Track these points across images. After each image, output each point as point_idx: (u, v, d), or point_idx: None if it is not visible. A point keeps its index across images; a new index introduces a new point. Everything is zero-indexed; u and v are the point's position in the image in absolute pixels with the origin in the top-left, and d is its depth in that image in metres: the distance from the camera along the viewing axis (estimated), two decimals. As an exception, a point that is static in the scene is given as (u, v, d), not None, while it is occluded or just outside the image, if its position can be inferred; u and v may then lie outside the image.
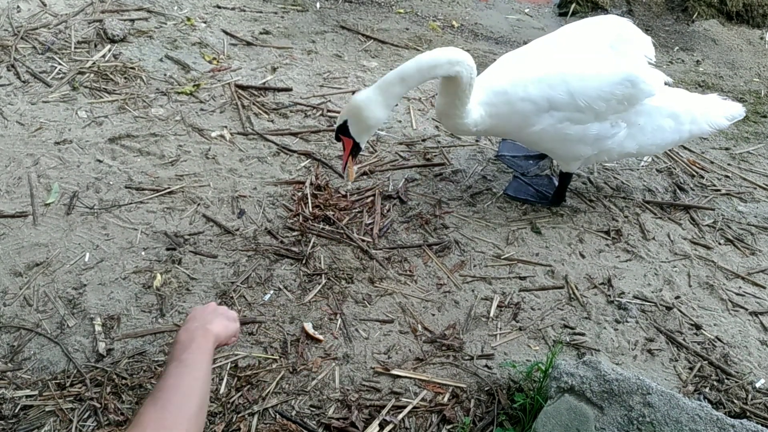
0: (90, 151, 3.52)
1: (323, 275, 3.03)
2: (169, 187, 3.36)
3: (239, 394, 2.58)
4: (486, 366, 2.76)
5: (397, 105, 2.98)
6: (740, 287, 3.21)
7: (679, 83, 4.64)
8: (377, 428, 2.51)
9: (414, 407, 2.58)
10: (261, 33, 4.57)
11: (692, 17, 5.34)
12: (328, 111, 3.94)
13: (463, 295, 3.03)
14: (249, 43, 4.44)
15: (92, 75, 4.00)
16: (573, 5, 5.43)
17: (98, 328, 2.75)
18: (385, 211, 3.37)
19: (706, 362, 2.86)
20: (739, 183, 3.81)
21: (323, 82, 4.19)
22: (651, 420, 2.32)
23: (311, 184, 3.45)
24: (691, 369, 2.84)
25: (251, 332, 2.79)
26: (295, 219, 3.28)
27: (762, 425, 2.41)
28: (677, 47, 5.11)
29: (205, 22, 4.59)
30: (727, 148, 4.08)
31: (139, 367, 2.64)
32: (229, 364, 2.67)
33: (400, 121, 3.95)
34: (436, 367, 2.74)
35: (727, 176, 3.85)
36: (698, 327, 3.00)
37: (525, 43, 4.95)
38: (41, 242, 3.06)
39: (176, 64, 4.17)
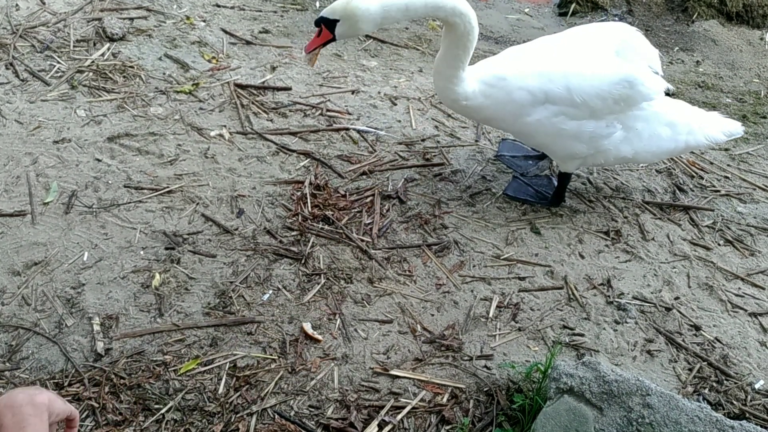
0: (89, 150, 3.52)
1: (322, 275, 3.02)
2: (167, 187, 3.35)
3: (238, 394, 2.57)
4: (485, 366, 2.75)
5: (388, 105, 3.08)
6: (740, 288, 3.20)
7: (679, 83, 4.63)
8: (376, 428, 2.50)
9: (413, 408, 2.58)
10: (260, 32, 4.56)
11: (692, 18, 5.34)
12: (328, 110, 3.94)
13: (462, 296, 3.02)
14: (248, 42, 4.43)
15: (91, 74, 3.99)
16: (573, 5, 5.43)
17: (96, 328, 2.74)
18: (385, 211, 3.37)
19: (705, 363, 2.86)
20: (738, 184, 3.81)
21: (323, 81, 4.19)
22: (650, 421, 2.32)
23: (310, 183, 3.44)
24: (690, 370, 2.83)
25: (250, 332, 2.79)
26: (294, 219, 3.27)
27: (761, 426, 2.41)
28: (677, 48, 5.11)
29: (204, 21, 4.58)
30: (726, 149, 4.07)
31: (137, 366, 2.63)
32: (228, 364, 2.67)
33: (399, 121, 3.94)
34: (435, 367, 2.74)
35: (726, 177, 3.85)
36: (697, 328, 3.00)
37: (525, 42, 4.95)
38: (40, 241, 3.05)
39: (175, 63, 4.16)
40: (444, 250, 3.21)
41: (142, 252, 3.05)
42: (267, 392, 2.59)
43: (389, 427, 2.51)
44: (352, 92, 4.12)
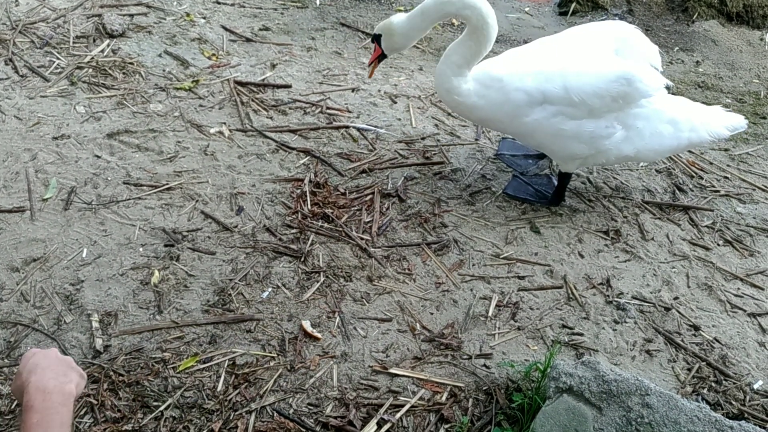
0: (88, 146, 3.51)
1: (322, 273, 3.02)
2: (167, 184, 3.35)
3: (237, 391, 2.57)
4: (484, 365, 2.75)
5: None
6: (739, 288, 3.21)
7: (679, 84, 4.64)
8: (375, 427, 2.50)
9: (412, 406, 2.58)
10: (260, 29, 4.56)
11: (692, 18, 5.34)
12: (328, 108, 3.93)
13: (461, 294, 3.02)
14: (248, 40, 4.42)
15: (91, 70, 3.98)
16: (573, 4, 5.42)
17: (95, 325, 2.73)
18: (384, 210, 3.36)
19: (704, 363, 2.86)
20: (738, 184, 3.81)
21: (323, 79, 4.18)
22: (649, 421, 2.32)
23: (310, 181, 3.44)
24: (689, 370, 2.84)
25: (249, 330, 2.78)
26: (293, 216, 3.27)
27: (760, 426, 2.42)
28: (677, 48, 5.11)
29: (204, 18, 4.58)
30: (726, 149, 4.08)
31: (136, 363, 2.63)
32: (227, 361, 2.66)
33: (399, 119, 3.94)
34: (434, 366, 2.74)
35: (726, 177, 3.85)
36: (697, 328, 3.00)
37: (525, 41, 4.96)
38: (38, 237, 3.04)
39: (175, 59, 4.15)
40: (443, 248, 3.21)
41: (141, 249, 3.05)
42: (266, 390, 2.59)
43: (388, 425, 2.51)
44: (352, 90, 4.12)
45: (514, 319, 2.95)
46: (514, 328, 2.92)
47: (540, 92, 3.08)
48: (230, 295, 2.90)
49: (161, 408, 2.50)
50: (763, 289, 3.21)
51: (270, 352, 2.72)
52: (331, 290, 2.97)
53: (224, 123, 3.75)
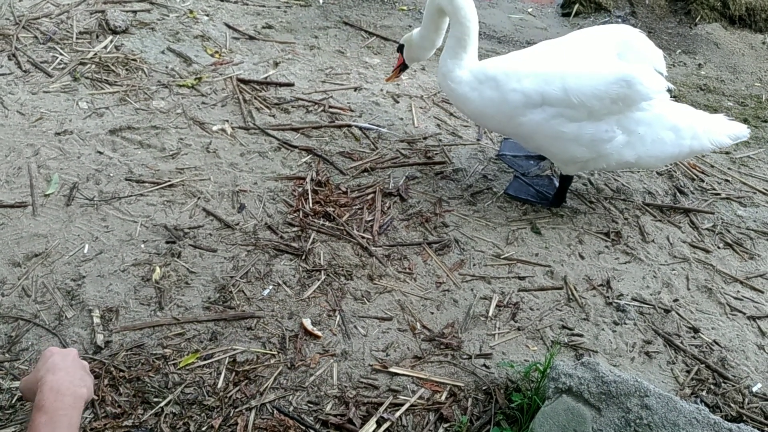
0: (90, 142, 3.51)
1: (322, 271, 3.03)
2: (169, 180, 3.35)
3: (237, 388, 2.58)
4: (484, 365, 2.76)
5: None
6: (738, 291, 3.21)
7: (681, 86, 4.64)
8: (374, 425, 2.51)
9: (411, 405, 2.58)
10: (264, 27, 4.56)
11: (695, 20, 5.35)
12: (330, 107, 3.94)
13: (462, 294, 3.03)
14: (251, 37, 4.43)
15: (93, 66, 3.98)
16: (576, 6, 5.43)
17: (96, 320, 2.74)
18: (386, 209, 3.37)
19: (703, 365, 2.87)
20: (739, 187, 3.82)
21: (325, 78, 4.19)
22: (648, 422, 2.33)
23: (312, 180, 3.45)
24: (688, 372, 2.84)
25: (250, 327, 2.79)
26: (295, 215, 3.27)
27: (759, 429, 2.42)
28: (679, 50, 5.11)
29: (207, 15, 4.58)
30: (727, 152, 4.08)
31: (137, 359, 2.63)
32: (227, 358, 2.67)
33: (401, 119, 3.94)
34: (434, 365, 2.74)
35: (727, 180, 3.86)
36: (696, 330, 3.00)
37: (528, 42, 4.97)
38: (40, 233, 3.05)
39: (178, 56, 4.16)
40: (444, 248, 3.22)
41: (142, 245, 3.05)
42: (266, 387, 2.59)
43: (387, 424, 2.52)
44: (355, 89, 4.12)
45: (514, 319, 2.96)
46: (514, 328, 2.92)
47: (539, 94, 3.08)
48: (231, 292, 2.90)
49: (161, 404, 2.50)
50: (762, 292, 3.22)
51: (270, 350, 2.72)
52: (331, 288, 2.97)
53: (227, 120, 3.75)
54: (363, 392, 2.62)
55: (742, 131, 3.32)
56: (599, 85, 3.01)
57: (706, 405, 2.70)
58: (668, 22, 5.45)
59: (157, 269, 2.95)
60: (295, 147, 3.64)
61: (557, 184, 3.53)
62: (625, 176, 3.76)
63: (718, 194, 3.74)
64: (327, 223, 3.24)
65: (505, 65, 3.22)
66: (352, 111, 3.95)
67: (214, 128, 3.70)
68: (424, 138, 3.84)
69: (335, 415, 2.53)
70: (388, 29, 4.80)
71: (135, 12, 4.46)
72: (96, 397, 2.50)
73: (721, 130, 3.27)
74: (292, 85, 4.07)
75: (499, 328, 2.91)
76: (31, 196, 3.20)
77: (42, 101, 3.71)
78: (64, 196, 3.22)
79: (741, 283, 3.25)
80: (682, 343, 2.95)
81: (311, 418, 2.52)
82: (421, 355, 2.77)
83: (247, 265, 3.01)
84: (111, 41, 4.18)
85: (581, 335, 2.92)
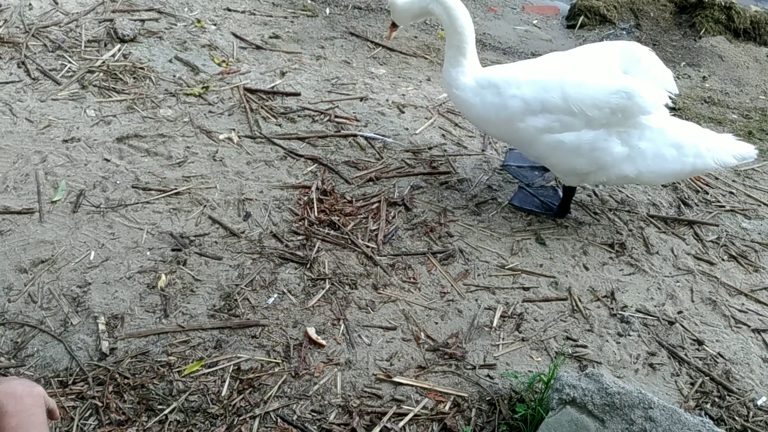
0: (98, 149, 3.54)
1: (327, 280, 3.04)
2: (175, 188, 3.37)
3: (241, 396, 2.58)
4: (488, 376, 2.76)
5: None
6: (743, 304, 3.21)
7: (685, 99, 4.65)
8: (378, 435, 2.51)
9: (415, 415, 2.58)
10: (271, 37, 4.59)
11: (699, 33, 5.36)
12: (336, 117, 3.96)
13: (466, 305, 3.03)
14: (258, 47, 4.45)
15: (101, 74, 4.01)
16: (581, 18, 5.45)
17: (102, 327, 2.75)
18: (390, 218, 3.38)
19: (707, 378, 2.87)
20: (743, 200, 3.82)
21: (331, 87, 4.21)
22: (652, 434, 2.33)
23: (317, 188, 3.46)
24: (692, 384, 2.84)
25: (254, 335, 2.80)
26: (300, 223, 3.28)
27: (763, 443, 2.42)
28: (684, 63, 5.13)
29: (215, 25, 4.61)
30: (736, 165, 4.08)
31: (141, 366, 2.64)
32: (232, 366, 2.68)
33: (406, 129, 3.96)
34: (438, 375, 2.75)
35: (731, 193, 3.86)
36: (700, 342, 3.00)
37: (533, 54, 4.99)
38: (47, 239, 3.07)
39: (185, 65, 4.19)
40: (449, 258, 3.23)
41: (148, 253, 3.07)
42: (270, 396, 2.60)
43: (391, 433, 2.52)
44: (361, 99, 4.14)
45: (518, 330, 2.96)
46: (518, 339, 2.92)
47: (538, 101, 3.12)
48: (236, 300, 2.91)
49: (166, 411, 2.51)
50: (767, 304, 3.22)
51: (275, 358, 2.73)
52: (336, 297, 2.98)
53: (233, 129, 3.77)
54: (367, 402, 2.62)
55: (749, 152, 3.22)
56: (599, 94, 3.03)
57: (711, 418, 2.70)
58: (673, 34, 5.47)
59: (163, 277, 2.97)
60: (301, 156, 3.66)
61: (561, 195, 3.54)
62: (630, 188, 3.77)
63: (723, 206, 3.74)
64: (332, 232, 3.26)
65: (507, 72, 3.26)
66: (357, 121, 3.97)
67: (221, 137, 3.72)
68: (429, 148, 3.85)
69: (339, 425, 2.53)
70: (394, 40, 4.82)
71: (143, 21, 4.50)
72: (100, 404, 2.50)
73: (726, 149, 3.18)
74: (299, 94, 4.09)
75: (503, 339, 2.91)
76: (38, 203, 3.22)
77: (50, 109, 3.74)
78: (71, 203, 3.24)
79: (745, 295, 3.25)
80: (686, 355, 2.94)
81: (315, 427, 2.52)
82: (425, 365, 2.77)
83: (252, 273, 3.03)
84: (119, 50, 4.21)
85: (585, 346, 2.92)
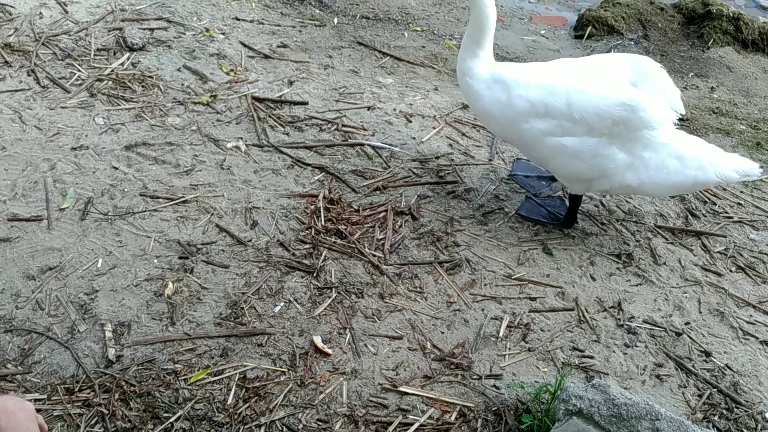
0: (106, 157, 3.55)
1: (334, 289, 3.04)
2: (183, 196, 3.38)
3: (246, 405, 2.58)
4: (494, 386, 2.75)
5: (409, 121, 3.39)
6: (751, 315, 3.20)
7: (693, 109, 4.64)
8: (384, 445, 2.50)
9: (421, 425, 2.58)
10: (279, 46, 4.61)
11: (708, 44, 5.36)
12: (343, 126, 3.97)
13: (472, 314, 3.03)
14: (266, 56, 4.47)
15: (110, 82, 4.04)
16: (589, 28, 5.45)
17: (108, 335, 2.76)
18: (397, 227, 3.38)
19: (715, 390, 2.85)
20: (751, 211, 3.81)
21: (339, 96, 4.22)
22: (659, 446, 2.31)
23: (324, 197, 3.47)
24: (700, 396, 2.82)
25: (260, 344, 2.80)
26: (307, 232, 3.29)
27: (771, 456, 2.40)
28: (692, 73, 5.12)
29: (223, 34, 4.64)
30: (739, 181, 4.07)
31: (148, 374, 2.65)
32: (238, 375, 2.68)
33: (414, 138, 3.97)
34: (444, 385, 2.74)
35: (739, 204, 3.85)
36: (708, 354, 2.99)
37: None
38: (55, 246, 3.08)
39: (194, 74, 4.21)
40: (455, 267, 3.22)
41: (155, 260, 3.08)
42: (276, 404, 2.60)
43: (397, 443, 2.52)
44: (368, 108, 4.15)
45: (524, 340, 2.95)
46: (524, 349, 2.92)
47: (543, 104, 3.14)
48: (242, 308, 2.92)
49: (171, 419, 2.51)
50: (775, 316, 3.20)
51: (281, 367, 2.73)
52: (342, 306, 2.98)
53: (241, 138, 3.79)
54: (372, 411, 2.62)
55: (753, 169, 3.20)
56: (602, 104, 3.04)
57: (719, 430, 2.68)
58: (681, 45, 5.46)
59: (170, 284, 2.97)
60: (308, 165, 3.67)
61: (568, 205, 3.53)
62: (637, 198, 3.76)
63: (731, 217, 3.73)
64: (339, 241, 3.26)
65: (518, 72, 3.30)
66: (365, 130, 3.98)
67: (229, 145, 3.73)
68: (436, 157, 3.86)
69: (344, 434, 2.52)
70: (401, 50, 4.84)
71: (152, 30, 4.53)
72: (107, 411, 2.51)
73: (729, 165, 3.17)
74: (306, 103, 4.10)
75: (509, 349, 2.91)
76: (46, 210, 3.23)
77: (59, 116, 3.76)
78: (79, 211, 3.26)
79: (754, 307, 3.24)
80: (693, 366, 2.93)
81: (320, 436, 2.52)
82: (431, 375, 2.76)
83: (259, 282, 3.03)
84: (128, 58, 4.24)
85: (592, 357, 2.91)
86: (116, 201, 3.33)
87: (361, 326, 2.91)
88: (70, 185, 3.38)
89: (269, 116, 3.96)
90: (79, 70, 4.10)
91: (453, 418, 2.62)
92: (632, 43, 5.39)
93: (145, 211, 3.30)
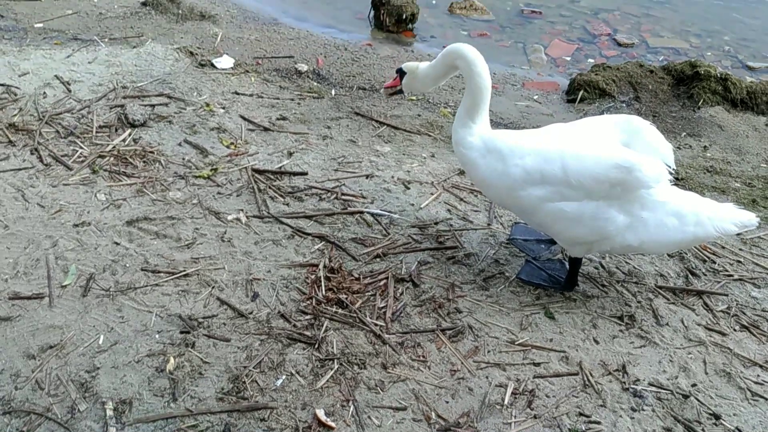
0: (108, 233, 3.58)
1: (336, 360, 3.02)
2: (184, 270, 3.40)
3: (250, 483, 2.54)
4: (501, 456, 2.71)
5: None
6: (759, 375, 3.16)
7: (688, 168, 4.70)
8: None
9: (428, 499, 2.52)
10: (278, 119, 4.70)
11: (698, 104, 5.47)
12: (343, 194, 4.01)
13: (477, 382, 3.00)
14: (266, 129, 4.56)
15: (112, 158, 4.10)
16: (581, 92, 5.57)
17: (109, 413, 2.73)
18: (398, 295, 3.38)
19: (726, 454, 2.80)
20: (751, 268, 3.81)
21: (338, 166, 4.28)
22: None
23: (325, 266, 3.48)
24: (711, 461, 2.77)
25: (263, 418, 2.76)
26: (308, 302, 3.29)
27: None
28: (684, 133, 5.21)
29: (223, 108, 4.74)
30: (738, 233, 4.09)
31: (149, 453, 2.61)
32: (240, 451, 2.64)
33: (412, 205, 4.01)
34: (450, 456, 2.69)
35: (739, 261, 3.85)
36: (717, 417, 2.94)
37: (534, 128, 5.07)
38: (56, 324, 3.08)
39: (195, 148, 4.28)
40: (458, 334, 3.21)
41: (157, 335, 3.07)
42: (279, 481, 2.55)
43: None
44: (367, 177, 4.21)
45: (530, 407, 2.91)
46: (530, 416, 2.88)
47: (538, 172, 3.17)
48: (244, 382, 2.89)
49: (173, 500, 2.46)
50: (782, 375, 3.17)
51: (284, 442, 2.69)
52: (345, 378, 2.95)
53: (241, 210, 3.83)
54: (378, 485, 2.57)
55: (750, 220, 3.25)
56: (598, 168, 3.08)
57: (732, 496, 2.62)
58: (672, 105, 5.57)
59: (171, 359, 2.96)
60: (309, 234, 3.70)
61: (568, 268, 3.54)
62: (637, 259, 3.78)
63: (731, 275, 3.73)
64: (340, 311, 3.26)
65: (512, 140, 3.34)
66: (364, 198, 4.02)
67: (229, 218, 3.77)
68: (435, 223, 3.89)
69: None
70: (398, 118, 4.94)
71: (153, 106, 4.63)
72: (107, 494, 2.46)
73: (727, 218, 3.22)
74: (306, 174, 4.16)
75: (515, 417, 2.87)
76: (48, 288, 3.24)
77: (61, 194, 3.81)
78: (81, 287, 3.26)
79: (760, 366, 3.21)
80: (703, 430, 2.88)
81: None
82: (437, 446, 2.72)
83: (261, 355, 3.01)
84: (129, 134, 4.32)
85: (599, 422, 2.87)
86: (118, 276, 3.34)
87: (364, 398, 2.88)
88: (71, 262, 3.40)
89: (269, 187, 4.01)
90: (81, 147, 4.17)
91: (460, 490, 2.57)
92: (624, 105, 5.50)
93: (146, 286, 3.31)
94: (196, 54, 5.39)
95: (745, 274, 3.76)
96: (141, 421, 2.71)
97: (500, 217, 4.01)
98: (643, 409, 2.94)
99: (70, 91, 4.68)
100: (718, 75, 5.54)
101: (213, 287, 3.33)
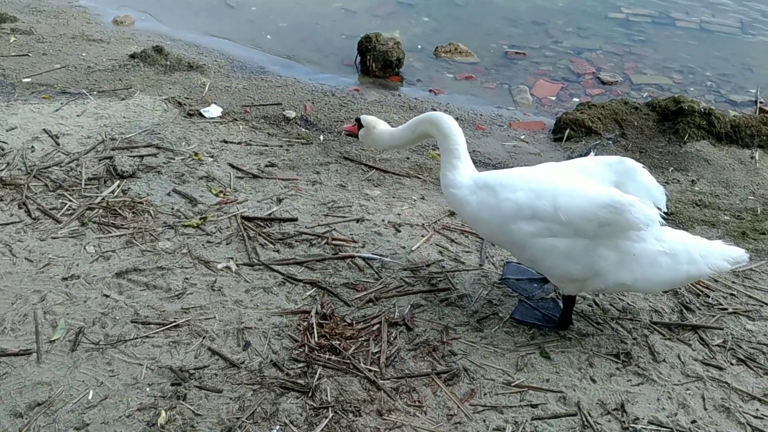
0: (97, 285, 3.55)
1: (330, 408, 2.97)
2: (174, 321, 3.36)
3: None
4: (501, 502, 2.65)
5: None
6: (757, 409, 3.13)
7: (677, 203, 4.72)
8: None
9: None
10: (267, 165, 4.71)
11: (684, 139, 5.52)
12: (333, 239, 4.00)
13: (474, 426, 2.95)
14: (255, 176, 4.57)
15: (101, 210, 4.09)
16: (567, 131, 5.62)
17: (99, 471, 2.66)
18: (392, 339, 3.35)
19: (730, 492, 2.75)
20: (745, 301, 3.80)
21: (328, 211, 4.28)
22: None
23: (317, 313, 3.45)
24: (715, 500, 2.72)
25: (257, 471, 2.71)
26: (300, 350, 3.25)
27: None
28: (672, 168, 5.24)
29: (212, 157, 4.75)
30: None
31: None
32: (234, 506, 2.57)
33: (404, 248, 4.00)
34: (449, 504, 2.63)
35: (732, 294, 3.85)
36: (719, 453, 2.90)
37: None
38: (44, 380, 3.02)
39: (183, 197, 4.28)
40: (454, 378, 3.17)
41: (148, 389, 3.02)
42: None
43: None
44: (357, 221, 4.21)
45: (529, 450, 2.87)
46: (530, 460, 2.83)
47: (530, 207, 3.19)
48: (237, 434, 2.84)
49: None
50: (782, 409, 3.14)
51: (279, 495, 2.62)
52: (340, 426, 2.90)
53: (232, 258, 3.80)
54: None
55: (741, 256, 3.25)
56: (588, 207, 3.08)
57: None
58: (658, 141, 5.62)
59: (163, 413, 2.90)
60: (300, 281, 3.67)
61: (562, 307, 3.52)
62: (631, 295, 3.76)
63: (725, 309, 3.72)
64: (333, 357, 3.21)
65: (504, 176, 3.39)
66: (355, 242, 4.01)
67: (219, 266, 3.74)
68: (427, 265, 3.87)
69: None
70: (386, 162, 4.96)
71: (142, 157, 4.63)
72: None
73: (720, 255, 3.22)
74: (296, 219, 4.16)
75: (514, 461, 2.82)
76: (36, 343, 3.19)
77: (50, 247, 3.78)
78: (70, 341, 3.22)
79: (759, 400, 3.17)
80: (705, 468, 2.84)
81: None
82: (436, 494, 2.66)
83: (253, 405, 2.96)
84: (118, 186, 4.31)
85: (600, 464, 2.82)
86: (107, 329, 3.30)
87: (360, 446, 2.83)
88: (60, 316, 3.36)
89: (259, 235, 4.00)
90: (70, 200, 4.16)
91: None
92: (611, 142, 5.54)
93: (136, 338, 3.26)
94: (185, 104, 5.42)
95: (740, 306, 3.75)
96: (132, 479, 2.65)
97: (492, 257, 4.00)
98: (643, 449, 2.90)
99: (58, 144, 4.69)
100: (702, 110, 5.61)
101: (204, 337, 3.29)
